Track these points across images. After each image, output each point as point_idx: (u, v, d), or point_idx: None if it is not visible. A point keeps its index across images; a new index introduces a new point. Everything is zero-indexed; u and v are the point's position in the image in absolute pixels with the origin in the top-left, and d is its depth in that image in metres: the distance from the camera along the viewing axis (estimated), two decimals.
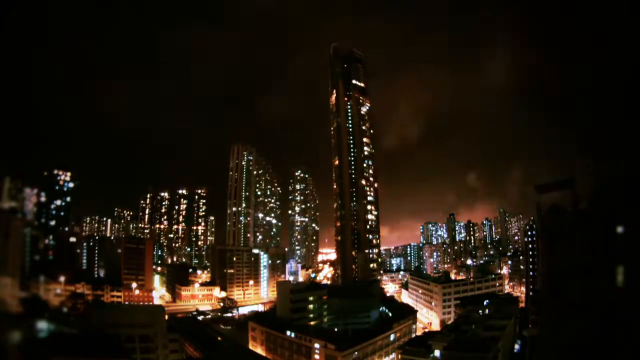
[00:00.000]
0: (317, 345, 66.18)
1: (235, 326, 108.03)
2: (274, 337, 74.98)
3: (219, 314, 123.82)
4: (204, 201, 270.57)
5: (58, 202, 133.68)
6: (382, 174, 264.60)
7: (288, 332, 72.43)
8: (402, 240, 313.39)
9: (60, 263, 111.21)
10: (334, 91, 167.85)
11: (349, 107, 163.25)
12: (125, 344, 49.28)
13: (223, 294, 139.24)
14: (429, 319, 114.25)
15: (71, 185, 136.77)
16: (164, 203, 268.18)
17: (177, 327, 73.54)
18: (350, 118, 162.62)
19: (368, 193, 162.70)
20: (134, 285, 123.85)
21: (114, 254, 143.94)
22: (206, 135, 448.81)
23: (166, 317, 74.72)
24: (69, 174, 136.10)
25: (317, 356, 65.92)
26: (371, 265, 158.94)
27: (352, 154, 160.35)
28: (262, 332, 78.25)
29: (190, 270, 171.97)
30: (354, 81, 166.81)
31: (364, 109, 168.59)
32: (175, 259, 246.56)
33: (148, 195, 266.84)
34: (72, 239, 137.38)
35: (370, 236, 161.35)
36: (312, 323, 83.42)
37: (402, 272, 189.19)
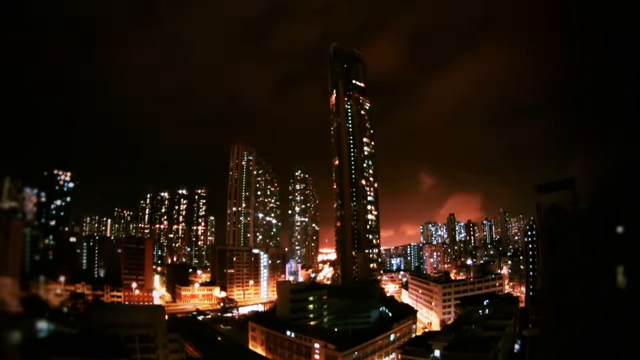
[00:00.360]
0: (317, 345, 66.19)
1: (235, 326, 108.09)
2: (274, 337, 75.02)
3: (219, 314, 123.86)
4: (204, 201, 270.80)
5: (58, 202, 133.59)
6: (382, 174, 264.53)
7: (288, 332, 72.47)
8: (402, 240, 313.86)
9: (60, 263, 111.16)
10: (334, 91, 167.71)
11: (349, 107, 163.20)
12: (125, 344, 49.27)
13: (223, 294, 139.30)
14: (429, 319, 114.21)
15: (71, 185, 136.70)
16: (164, 203, 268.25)
17: (177, 327, 73.43)
18: (350, 118, 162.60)
19: (368, 193, 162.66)
20: (134, 285, 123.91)
21: (114, 254, 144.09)
22: (206, 135, 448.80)
23: (166, 317, 74.84)
24: (69, 174, 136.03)
25: (317, 356, 65.92)
26: (371, 265, 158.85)
27: (352, 154, 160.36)
28: (262, 332, 78.27)
29: (190, 270, 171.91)
30: (354, 81, 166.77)
31: (364, 109, 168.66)
32: (175, 259, 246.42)
33: (148, 195, 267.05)
34: (72, 239, 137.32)
35: (370, 236, 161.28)
36: (312, 323, 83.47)
37: (402, 272, 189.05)
